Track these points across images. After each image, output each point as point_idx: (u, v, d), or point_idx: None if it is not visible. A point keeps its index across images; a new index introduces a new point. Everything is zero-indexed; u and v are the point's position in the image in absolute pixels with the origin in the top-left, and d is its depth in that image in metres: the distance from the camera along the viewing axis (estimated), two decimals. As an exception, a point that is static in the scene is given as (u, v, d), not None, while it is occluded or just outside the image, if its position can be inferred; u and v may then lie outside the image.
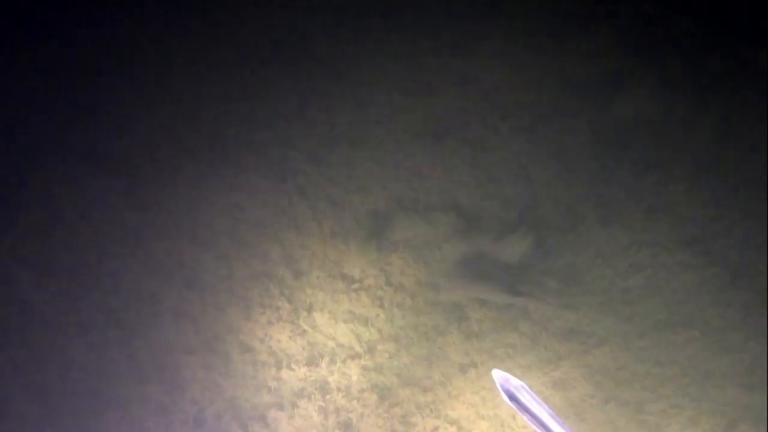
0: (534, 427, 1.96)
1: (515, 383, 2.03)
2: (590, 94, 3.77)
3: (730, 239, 3.31)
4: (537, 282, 3.31)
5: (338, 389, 3.16)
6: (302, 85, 4.04)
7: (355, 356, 3.23)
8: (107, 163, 3.84)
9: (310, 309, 3.36)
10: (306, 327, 3.31)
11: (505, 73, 3.92)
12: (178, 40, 4.31)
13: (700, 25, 3.84)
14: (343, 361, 3.22)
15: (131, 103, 4.08)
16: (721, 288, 3.19)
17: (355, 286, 3.42)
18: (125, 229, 3.60)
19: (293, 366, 3.21)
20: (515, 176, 3.62)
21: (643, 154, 3.57)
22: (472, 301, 3.31)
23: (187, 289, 3.43)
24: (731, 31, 3.80)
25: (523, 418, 2.05)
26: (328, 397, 3.13)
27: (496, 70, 3.93)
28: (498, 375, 2.11)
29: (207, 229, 3.62)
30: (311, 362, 3.22)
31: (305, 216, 3.64)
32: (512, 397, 1.99)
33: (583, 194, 3.51)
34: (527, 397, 1.99)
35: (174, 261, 3.52)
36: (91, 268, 3.50)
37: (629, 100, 3.70)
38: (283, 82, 4.07)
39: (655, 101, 3.69)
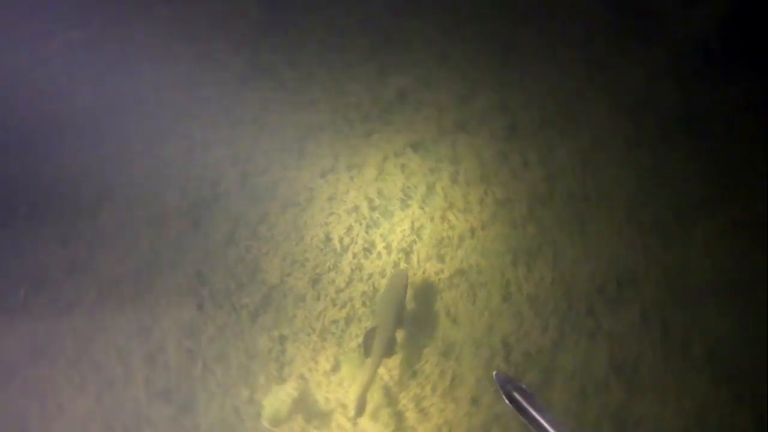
0: (533, 429, 1.88)
1: (515, 385, 1.98)
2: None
3: None
4: None
5: None
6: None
7: None
8: None
9: None
10: None
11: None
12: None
13: None
14: None
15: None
16: None
17: None
18: None
19: None
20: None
21: None
22: None
23: None
24: None
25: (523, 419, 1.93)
26: None
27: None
28: (498, 376, 2.04)
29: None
30: None
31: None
32: (512, 399, 1.94)
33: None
34: (527, 399, 1.93)
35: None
36: None
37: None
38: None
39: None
